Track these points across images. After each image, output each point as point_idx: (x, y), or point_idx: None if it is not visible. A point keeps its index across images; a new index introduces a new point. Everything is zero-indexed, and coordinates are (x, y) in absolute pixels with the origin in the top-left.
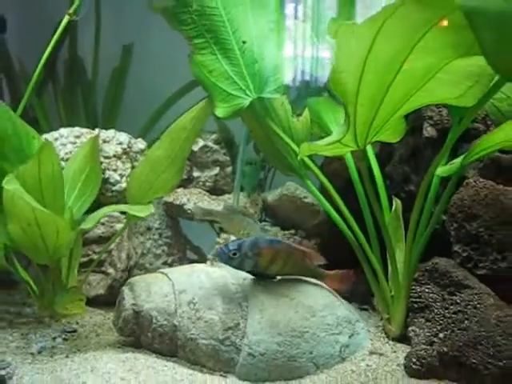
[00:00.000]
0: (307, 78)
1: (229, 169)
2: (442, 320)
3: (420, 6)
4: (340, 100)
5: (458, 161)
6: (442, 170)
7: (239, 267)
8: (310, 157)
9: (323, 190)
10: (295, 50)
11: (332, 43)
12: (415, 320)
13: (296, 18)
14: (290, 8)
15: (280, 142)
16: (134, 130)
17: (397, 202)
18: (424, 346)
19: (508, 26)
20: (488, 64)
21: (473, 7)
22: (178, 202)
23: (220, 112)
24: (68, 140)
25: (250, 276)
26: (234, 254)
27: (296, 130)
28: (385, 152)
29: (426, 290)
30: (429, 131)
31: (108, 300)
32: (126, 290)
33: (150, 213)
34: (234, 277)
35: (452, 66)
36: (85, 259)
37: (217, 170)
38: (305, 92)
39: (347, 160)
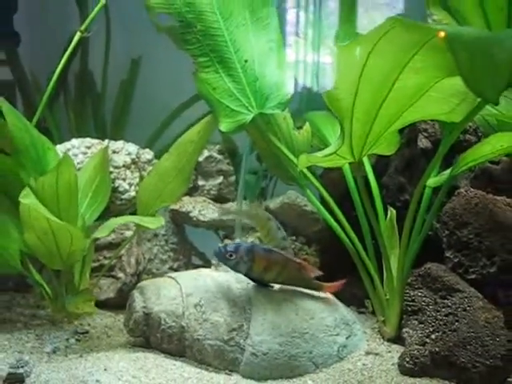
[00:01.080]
0: (309, 86)
1: (232, 178)
2: (434, 322)
3: (408, 29)
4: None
5: (447, 172)
6: (432, 181)
7: (234, 269)
8: (309, 168)
9: (323, 199)
10: (297, 58)
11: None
12: (409, 322)
13: (297, 28)
14: (291, 14)
15: (281, 154)
16: (141, 140)
17: (391, 211)
18: (417, 347)
19: (483, 51)
20: (465, 86)
21: (452, 33)
22: (183, 210)
23: (224, 127)
24: (79, 150)
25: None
26: (231, 256)
27: (297, 143)
28: (381, 163)
29: (419, 294)
30: (423, 143)
31: (118, 303)
32: (136, 293)
33: (160, 225)
34: (238, 281)
35: (441, 85)
36: (96, 264)
37: (221, 179)
38: (307, 101)
39: (345, 171)
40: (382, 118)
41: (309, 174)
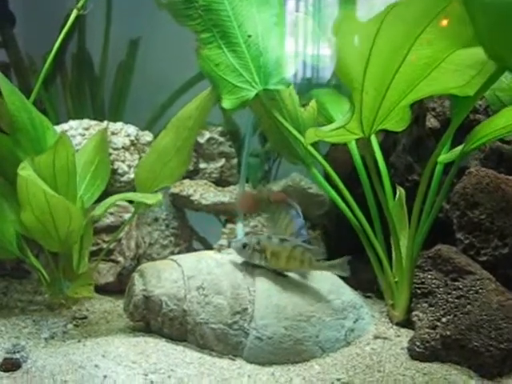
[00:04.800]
0: (309, 74)
1: (234, 160)
2: (445, 305)
3: None
4: (345, 90)
5: (458, 148)
6: (444, 157)
7: None
8: (315, 147)
9: (328, 179)
10: (297, 46)
11: (333, 39)
12: (418, 305)
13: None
14: (291, 2)
15: (286, 132)
16: (141, 123)
17: (400, 191)
18: (427, 330)
19: (503, 13)
20: (484, 51)
21: None
22: (184, 194)
23: (227, 104)
24: (77, 132)
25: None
26: None
27: (303, 120)
28: (388, 142)
29: (429, 276)
30: (432, 122)
31: (117, 287)
32: (136, 275)
33: (157, 200)
34: (242, 263)
35: (456, 56)
36: (94, 248)
37: (222, 161)
38: (307, 88)
39: (351, 148)
40: (394, 91)
41: (315, 152)
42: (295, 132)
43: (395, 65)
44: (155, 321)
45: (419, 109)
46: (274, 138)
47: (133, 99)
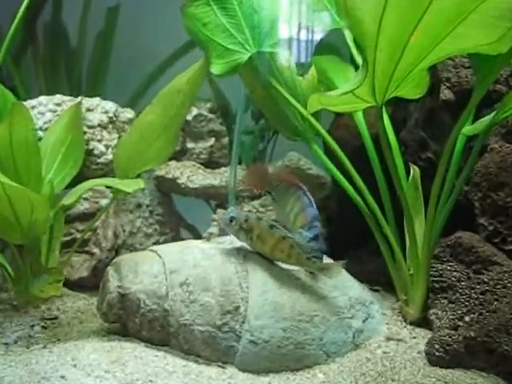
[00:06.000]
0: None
1: (225, 139)
2: (468, 301)
3: None
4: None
5: (486, 118)
6: (468, 129)
7: None
8: (317, 119)
9: (330, 158)
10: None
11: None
12: (437, 302)
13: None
14: None
15: (284, 103)
16: (122, 100)
17: (415, 170)
18: (448, 331)
19: None
20: None
21: None
22: (170, 176)
23: (216, 69)
24: (47, 108)
25: (250, 253)
26: None
27: (302, 89)
28: (398, 116)
29: (449, 268)
30: (445, 94)
31: (92, 283)
32: (111, 270)
33: (139, 188)
34: (233, 254)
35: (488, 4)
36: (67, 238)
37: (212, 140)
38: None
39: (358, 121)
40: (412, 49)
41: (317, 124)
42: (293, 101)
43: (416, 15)
44: (133, 322)
45: (432, 78)
46: (268, 112)
47: (113, 73)
